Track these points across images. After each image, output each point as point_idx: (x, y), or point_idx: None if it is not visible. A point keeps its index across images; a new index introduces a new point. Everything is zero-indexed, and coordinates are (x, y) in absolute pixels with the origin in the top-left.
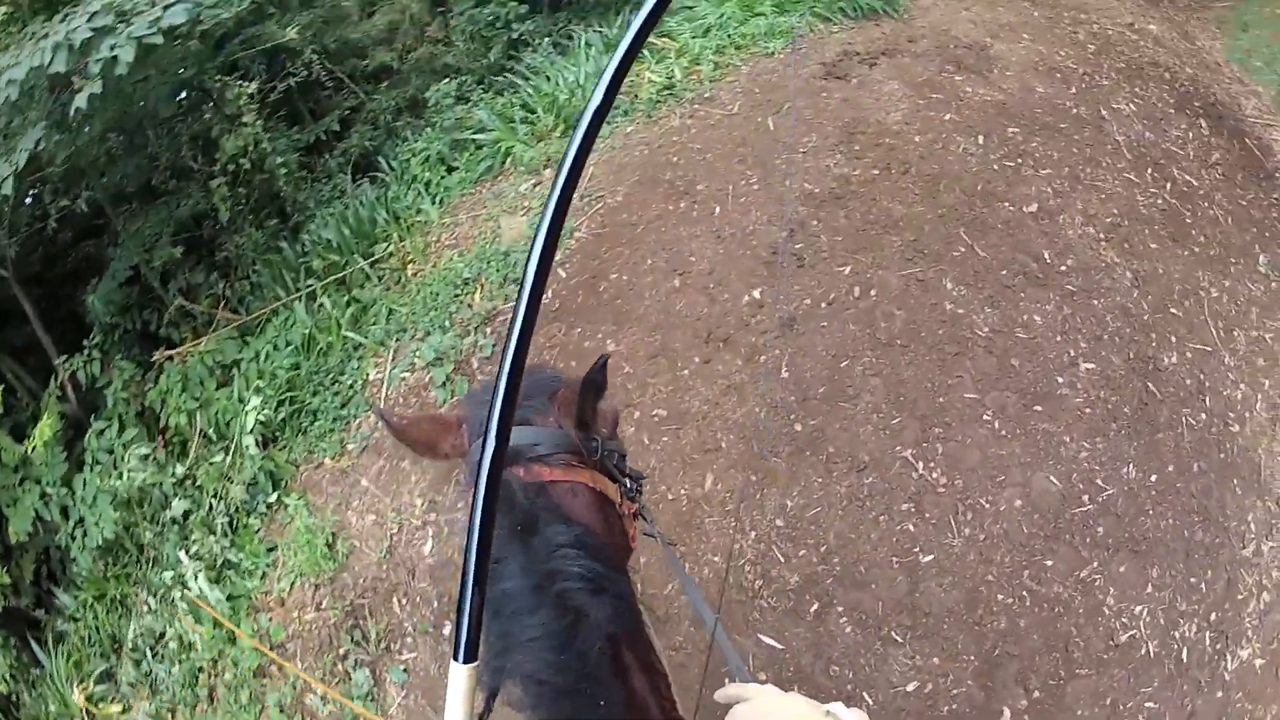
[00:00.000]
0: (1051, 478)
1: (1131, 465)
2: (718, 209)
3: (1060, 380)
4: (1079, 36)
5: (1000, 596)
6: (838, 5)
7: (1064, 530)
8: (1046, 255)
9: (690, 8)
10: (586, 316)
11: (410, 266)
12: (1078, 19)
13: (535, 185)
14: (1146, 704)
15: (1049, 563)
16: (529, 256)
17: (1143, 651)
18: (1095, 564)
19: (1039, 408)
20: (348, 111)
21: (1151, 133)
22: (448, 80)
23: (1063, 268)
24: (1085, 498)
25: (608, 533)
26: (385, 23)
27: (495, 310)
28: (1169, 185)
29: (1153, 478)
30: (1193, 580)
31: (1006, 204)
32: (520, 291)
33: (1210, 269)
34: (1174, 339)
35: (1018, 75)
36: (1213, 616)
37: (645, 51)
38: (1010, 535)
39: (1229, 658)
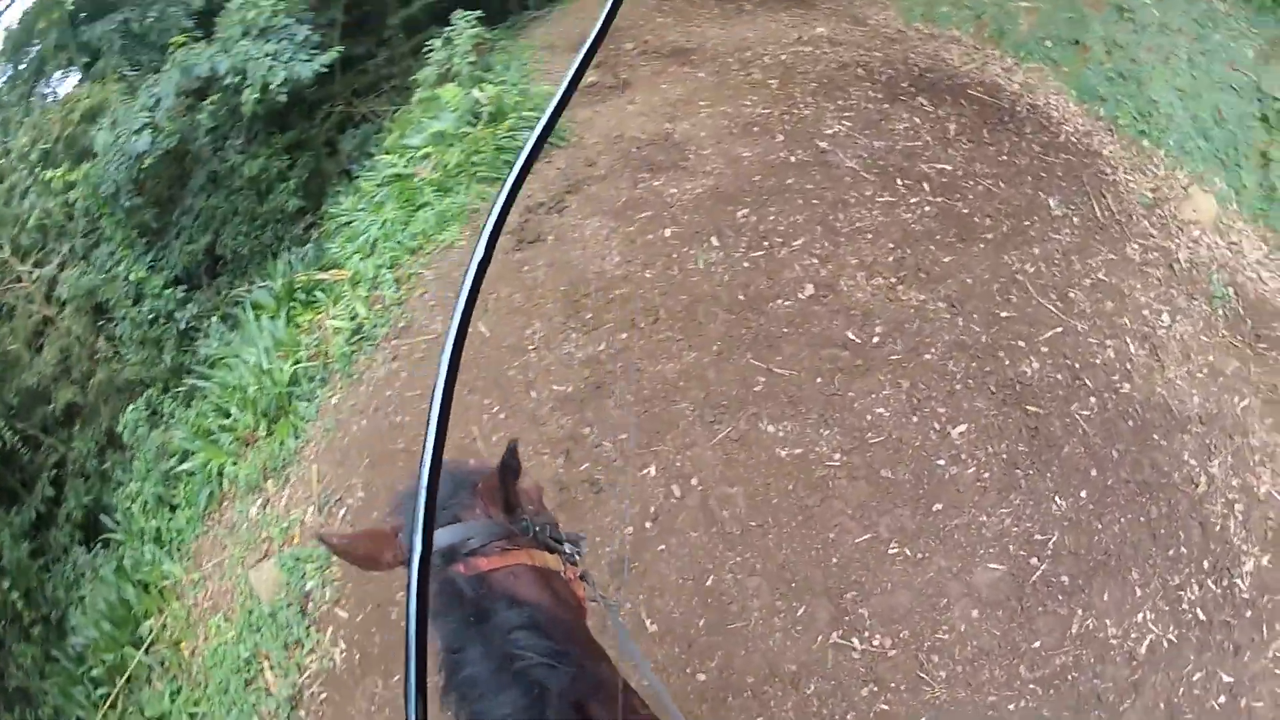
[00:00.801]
0: (991, 565)
1: (1057, 497)
2: (471, 461)
3: (941, 462)
4: (755, 76)
5: (1012, 708)
6: (502, 160)
7: (1032, 604)
8: (851, 334)
9: (348, 223)
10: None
11: (184, 644)
12: (744, 60)
13: (263, 505)
14: (1195, 677)
15: (1036, 644)
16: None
17: (1166, 645)
18: (1079, 610)
19: (937, 506)
20: (54, 470)
21: (879, 139)
22: (133, 405)
23: (875, 339)
24: (1034, 560)
25: (556, 604)
26: (55, 353)
27: (298, 691)
28: (926, 185)
29: (1083, 494)
30: (1170, 553)
31: (779, 300)
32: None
33: (1012, 247)
34: (1021, 343)
35: (715, 149)
36: (1205, 564)
37: (319, 293)
38: (985, 647)
39: (1240, 582)
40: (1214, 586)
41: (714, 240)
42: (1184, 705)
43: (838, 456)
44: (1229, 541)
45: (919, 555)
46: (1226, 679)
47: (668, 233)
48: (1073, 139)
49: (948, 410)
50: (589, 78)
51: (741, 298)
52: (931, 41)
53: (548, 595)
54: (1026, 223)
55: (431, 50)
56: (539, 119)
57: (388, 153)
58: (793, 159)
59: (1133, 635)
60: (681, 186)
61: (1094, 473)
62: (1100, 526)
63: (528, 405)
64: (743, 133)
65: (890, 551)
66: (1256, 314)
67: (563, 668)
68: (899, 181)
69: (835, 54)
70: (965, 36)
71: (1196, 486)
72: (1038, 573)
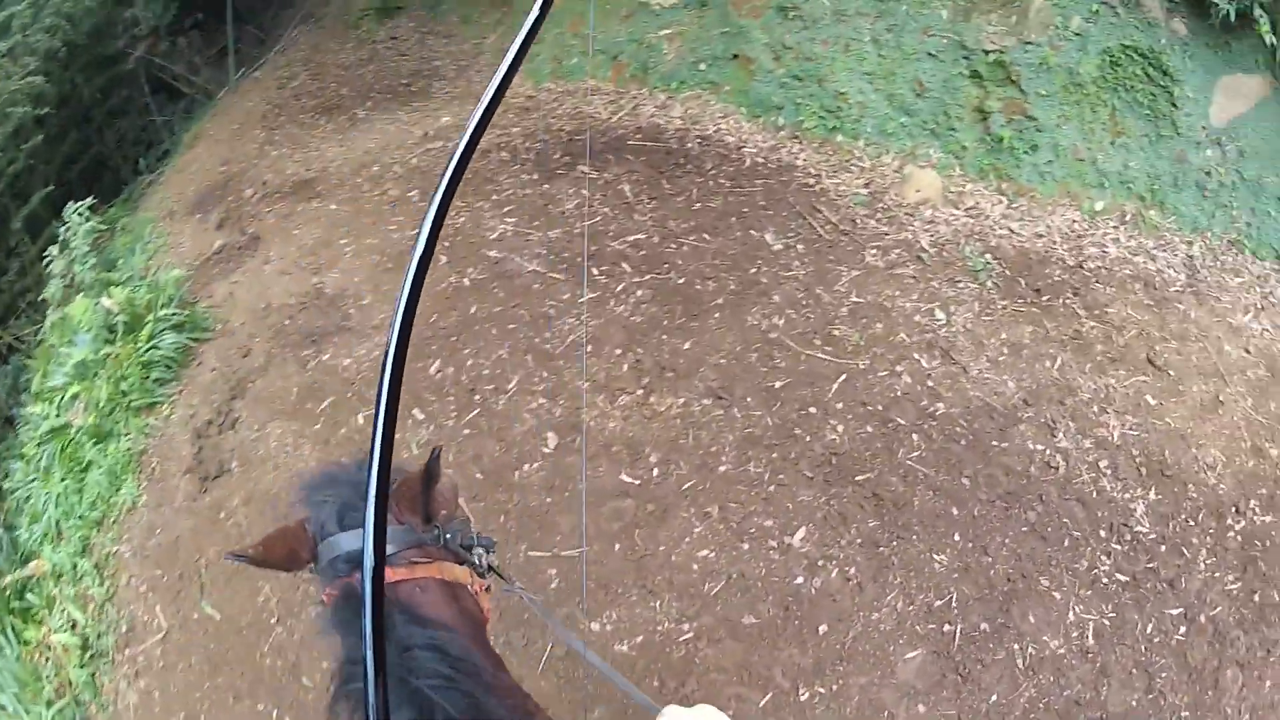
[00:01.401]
0: (908, 655)
1: (933, 554)
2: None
3: (799, 580)
4: (392, 192)
5: None
6: (152, 379)
7: (969, 666)
8: (626, 477)
9: (27, 499)
10: None
11: None
12: (374, 176)
13: None
14: (1148, 630)
15: (994, 698)
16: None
17: (1108, 623)
18: (1014, 645)
19: (822, 628)
20: None
21: (552, 228)
22: None
23: (654, 472)
24: (946, 626)
25: (459, 618)
26: None
27: None
28: (626, 265)
29: (955, 537)
30: (1066, 544)
31: (525, 466)
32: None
33: (749, 304)
34: (812, 409)
35: (376, 295)
36: (1101, 533)
37: (30, 595)
38: None
39: (1140, 527)
40: (1119, 546)
41: (416, 413)
42: (1153, 658)
43: (686, 626)
44: (1112, 499)
45: (834, 687)
46: (1175, 611)
47: (360, 419)
48: (759, 160)
49: (775, 520)
50: (216, 240)
51: (479, 476)
52: (569, 99)
53: (453, 611)
54: (752, 270)
55: (50, 259)
56: None
57: (38, 399)
58: (466, 281)
59: (1074, 635)
60: (354, 353)
61: (955, 511)
62: (990, 559)
63: (305, 696)
64: (399, 266)
65: (802, 698)
66: (1025, 269)
67: (458, 690)
68: (594, 271)
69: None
70: (604, 83)
71: (1056, 469)
72: (956, 635)
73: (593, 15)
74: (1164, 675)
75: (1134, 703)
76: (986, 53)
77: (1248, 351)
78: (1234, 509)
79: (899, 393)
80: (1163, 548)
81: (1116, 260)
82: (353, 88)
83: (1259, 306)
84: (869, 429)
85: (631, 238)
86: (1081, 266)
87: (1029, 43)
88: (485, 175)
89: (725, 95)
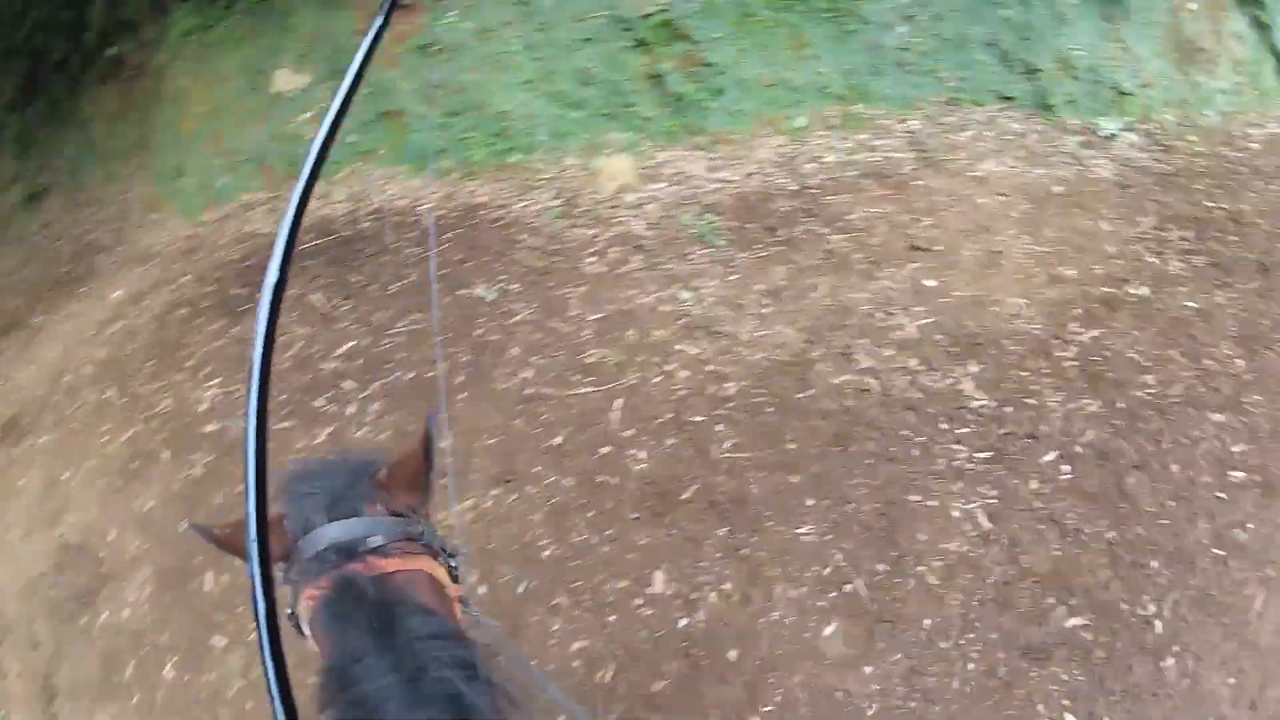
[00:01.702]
0: (826, 635)
1: (794, 530)
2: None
3: (684, 623)
4: (91, 398)
5: None
6: None
7: (887, 613)
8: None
9: None
10: None
11: None
12: (69, 387)
13: None
14: (1045, 491)
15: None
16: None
17: (998, 503)
18: (919, 569)
19: (731, 653)
20: None
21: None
22: None
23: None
24: (845, 587)
25: (451, 618)
26: None
27: None
28: (350, 383)
29: (809, 502)
30: (931, 449)
31: None
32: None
33: (495, 381)
34: (605, 450)
35: (123, 525)
36: (965, 421)
37: None
38: None
39: (987, 428)
40: (967, 429)
41: (214, 640)
42: (1053, 506)
43: None
44: (938, 391)
45: (777, 698)
46: (1050, 456)
47: (169, 671)
48: (440, 213)
49: (627, 577)
50: None
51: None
52: (230, 223)
53: (447, 610)
54: (478, 332)
55: None
56: None
57: None
58: (198, 471)
59: (968, 528)
60: (126, 599)
61: (795, 479)
62: (853, 504)
63: None
64: (131, 478)
65: None
66: (750, 213)
67: (481, 682)
68: (318, 403)
69: (147, 309)
70: (258, 193)
71: (870, 390)
72: (860, 589)
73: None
74: (1071, 515)
75: (1058, 553)
76: (646, 17)
77: (1002, 194)
78: (1056, 340)
79: (682, 391)
80: (1009, 409)
81: (837, 166)
82: (22, 296)
83: (995, 149)
84: (671, 441)
85: (341, 350)
86: (806, 188)
87: None
88: (170, 342)
89: (383, 159)
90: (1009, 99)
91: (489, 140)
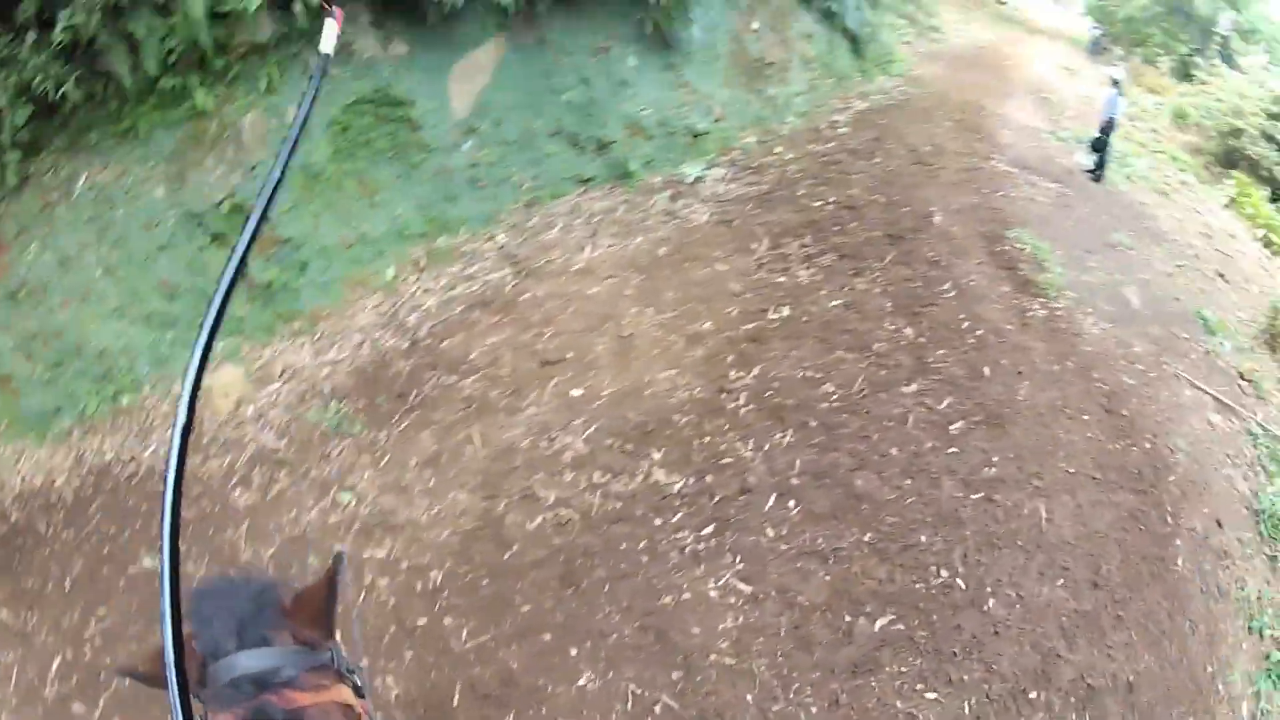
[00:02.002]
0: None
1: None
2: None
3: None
4: None
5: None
6: None
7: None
8: None
9: None
10: None
11: None
12: None
13: None
14: (783, 532)
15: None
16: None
17: (747, 566)
18: (701, 662)
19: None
20: None
21: None
22: None
23: None
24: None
25: None
26: None
27: None
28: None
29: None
30: (656, 550)
31: None
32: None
33: None
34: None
35: None
36: (671, 509)
37: None
38: None
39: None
40: (678, 516)
41: None
42: (799, 547)
43: None
44: (631, 494)
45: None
46: (772, 501)
47: None
48: (83, 486)
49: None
50: None
51: None
52: None
53: None
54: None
55: None
56: None
57: None
58: None
59: (730, 598)
60: None
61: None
62: (614, 634)
63: None
64: None
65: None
66: (373, 387)
67: None
68: None
69: None
70: None
71: (569, 523)
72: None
73: None
74: (820, 540)
75: (828, 578)
76: (217, 205)
77: (611, 276)
78: (722, 394)
79: (392, 600)
80: (709, 477)
81: (441, 307)
82: None
83: (589, 235)
84: (409, 654)
85: (53, 670)
86: (417, 341)
87: (254, 166)
88: None
89: (5, 435)
90: (588, 180)
91: (96, 385)
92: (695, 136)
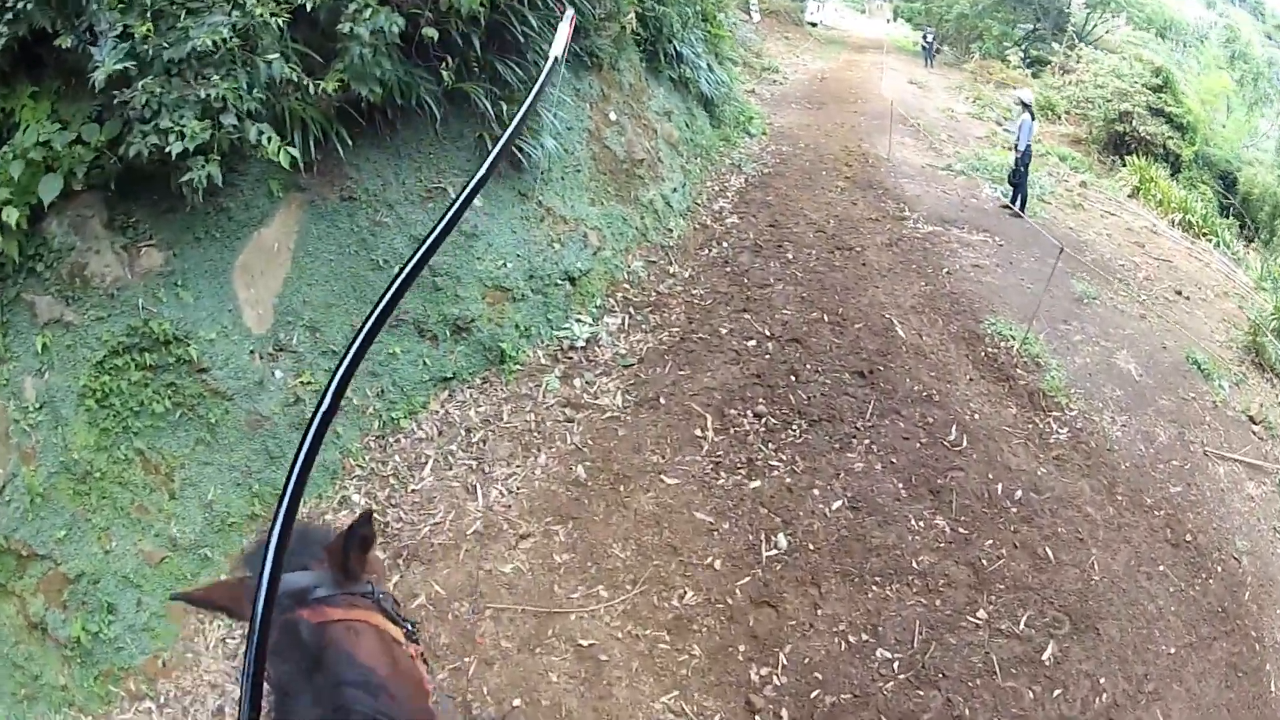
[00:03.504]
0: None
1: None
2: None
3: None
4: None
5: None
6: None
7: None
8: None
9: None
10: None
11: None
12: None
13: None
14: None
15: None
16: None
17: None
18: None
19: None
20: None
21: None
22: None
23: None
24: None
25: (394, 670)
26: None
27: None
28: None
29: None
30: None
31: None
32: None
33: None
34: None
35: None
36: None
37: None
38: None
39: None
40: None
41: None
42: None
43: None
44: None
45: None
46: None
47: None
48: None
49: None
50: None
51: None
52: None
53: (388, 659)
54: None
55: None
56: None
57: None
58: None
59: None
60: None
61: None
62: None
63: None
64: None
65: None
66: None
67: None
68: None
69: None
70: None
71: None
72: None
73: None
74: None
75: None
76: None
77: (525, 538)
78: (754, 713)
79: None
80: None
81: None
82: None
83: (476, 465)
84: None
85: None
86: None
87: None
88: None
89: None
90: (450, 379)
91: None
92: (574, 281)
